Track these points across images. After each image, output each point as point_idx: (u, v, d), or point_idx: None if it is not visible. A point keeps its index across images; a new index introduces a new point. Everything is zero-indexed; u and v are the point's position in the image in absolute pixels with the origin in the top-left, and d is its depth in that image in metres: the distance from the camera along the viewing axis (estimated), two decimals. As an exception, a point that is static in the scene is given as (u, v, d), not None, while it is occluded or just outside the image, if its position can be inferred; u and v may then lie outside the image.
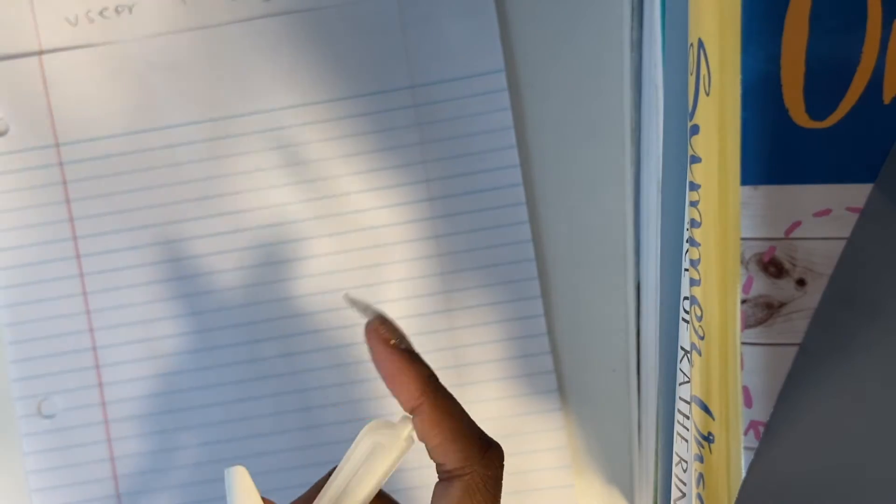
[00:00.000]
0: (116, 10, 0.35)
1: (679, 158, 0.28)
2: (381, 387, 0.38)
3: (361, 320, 0.37)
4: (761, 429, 0.23)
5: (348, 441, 0.26)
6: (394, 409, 0.38)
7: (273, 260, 0.37)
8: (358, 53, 0.36)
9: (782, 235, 0.23)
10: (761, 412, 0.23)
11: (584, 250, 0.38)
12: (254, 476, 0.37)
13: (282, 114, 0.36)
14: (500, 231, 0.37)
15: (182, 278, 0.37)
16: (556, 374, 0.38)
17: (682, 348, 0.29)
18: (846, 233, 0.22)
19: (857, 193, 0.22)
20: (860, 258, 0.22)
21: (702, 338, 0.25)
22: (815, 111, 0.22)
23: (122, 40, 0.36)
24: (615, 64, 0.36)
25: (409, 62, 0.37)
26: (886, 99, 0.22)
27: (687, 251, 0.27)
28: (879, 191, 0.22)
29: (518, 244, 0.38)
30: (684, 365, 0.29)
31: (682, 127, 0.27)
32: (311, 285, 0.37)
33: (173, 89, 0.36)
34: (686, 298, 0.28)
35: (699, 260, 0.25)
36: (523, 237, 0.37)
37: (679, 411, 0.30)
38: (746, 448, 0.24)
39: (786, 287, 0.23)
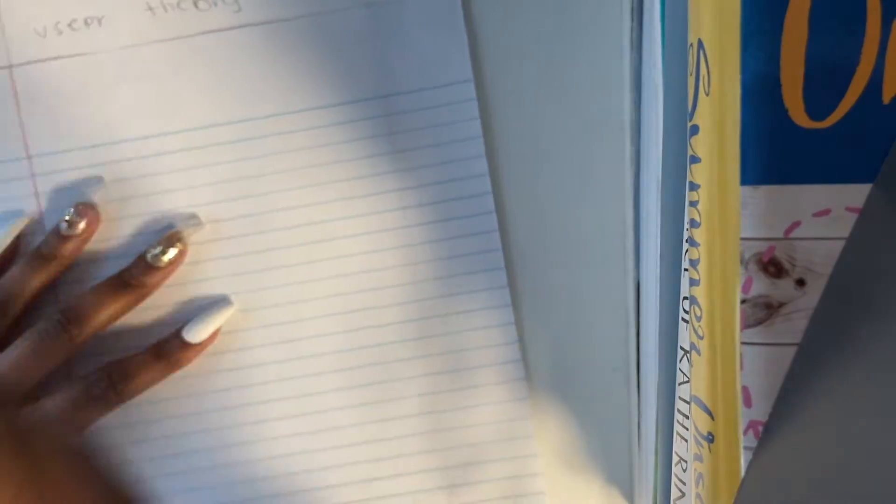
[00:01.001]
0: (86, 23, 0.35)
1: (679, 158, 0.28)
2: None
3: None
4: (760, 428, 0.23)
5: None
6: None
7: (250, 270, 0.37)
8: (329, 63, 0.36)
9: (782, 235, 0.23)
10: (761, 412, 0.23)
11: (584, 250, 0.38)
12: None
13: (255, 124, 0.36)
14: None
15: (161, 288, 0.37)
16: (527, 382, 0.38)
17: (682, 348, 0.29)
18: (846, 233, 0.22)
19: (857, 193, 0.22)
20: (859, 258, 0.22)
21: (701, 338, 0.25)
22: (814, 111, 0.22)
23: (93, 52, 0.36)
24: (615, 64, 0.36)
25: (380, 71, 0.36)
26: (886, 99, 0.22)
27: (687, 251, 0.27)
28: (879, 191, 0.22)
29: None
30: (684, 365, 0.29)
31: (682, 127, 0.27)
32: (286, 295, 0.37)
33: (145, 101, 0.36)
34: (686, 298, 0.28)
35: (699, 260, 0.25)
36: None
37: (679, 411, 0.30)
38: (746, 448, 0.24)
39: (785, 287, 0.23)
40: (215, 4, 0.35)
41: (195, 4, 0.35)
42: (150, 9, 0.35)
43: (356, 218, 0.37)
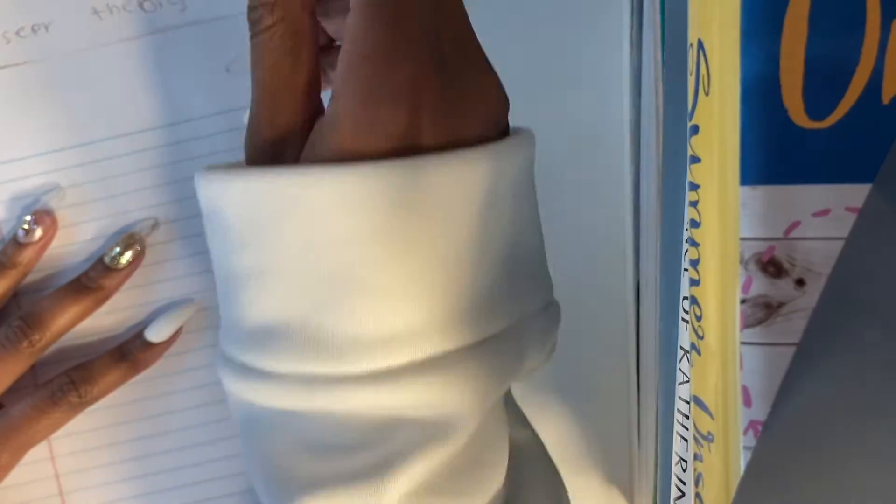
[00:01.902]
0: (33, 30, 0.35)
1: (679, 158, 0.28)
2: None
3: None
4: (760, 428, 0.23)
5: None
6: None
7: (210, 268, 0.37)
8: None
9: (781, 235, 0.23)
10: (760, 412, 0.23)
11: (584, 250, 0.38)
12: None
13: (206, 122, 0.36)
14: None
15: (122, 291, 0.37)
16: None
17: (682, 348, 0.29)
18: (845, 233, 0.22)
19: (856, 193, 0.22)
20: (858, 258, 0.22)
21: (701, 338, 0.25)
22: (814, 111, 0.22)
23: (41, 59, 0.35)
24: (615, 64, 0.36)
25: None
26: (885, 99, 0.22)
27: (686, 251, 0.27)
28: (878, 191, 0.22)
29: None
30: (684, 365, 0.29)
31: (682, 127, 0.27)
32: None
33: (96, 104, 0.36)
34: (686, 298, 0.28)
35: (699, 260, 0.25)
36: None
37: (679, 411, 0.30)
38: (745, 447, 0.24)
39: (785, 287, 0.23)
40: (161, 5, 0.35)
41: (141, 6, 0.35)
42: (97, 12, 0.35)
43: None
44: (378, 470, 0.24)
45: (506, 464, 0.27)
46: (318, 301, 0.24)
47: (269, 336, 0.25)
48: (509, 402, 0.30)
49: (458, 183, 0.24)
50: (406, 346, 0.24)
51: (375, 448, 0.25)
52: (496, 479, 0.27)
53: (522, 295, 0.27)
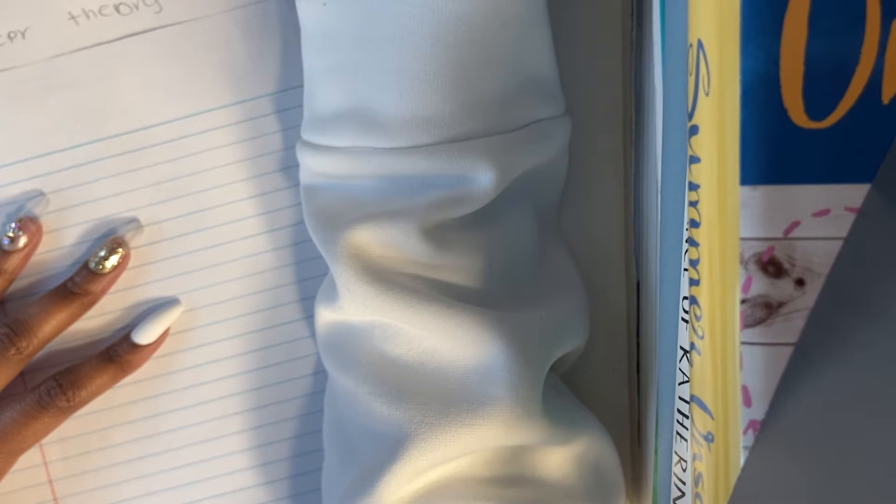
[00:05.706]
0: (9, 37, 0.35)
1: (679, 158, 0.28)
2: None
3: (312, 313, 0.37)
4: (759, 428, 0.23)
5: None
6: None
7: (194, 268, 0.37)
8: (256, 55, 0.35)
9: (781, 235, 0.23)
10: (760, 412, 0.23)
11: (584, 250, 0.38)
12: None
13: (185, 123, 0.36)
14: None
15: (108, 294, 0.37)
16: None
17: (682, 348, 0.29)
18: (845, 233, 0.22)
19: (856, 193, 0.22)
20: (857, 258, 0.22)
21: (701, 338, 0.25)
22: (814, 111, 0.22)
23: (19, 65, 0.35)
24: (615, 64, 0.36)
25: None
26: (885, 99, 0.22)
27: (686, 251, 0.27)
28: (877, 191, 0.22)
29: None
30: (684, 365, 0.29)
31: (681, 127, 0.27)
32: (233, 290, 0.37)
33: (75, 109, 0.36)
34: (686, 298, 0.28)
35: (699, 260, 0.25)
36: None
37: (679, 411, 0.30)
38: (745, 447, 0.24)
39: (785, 287, 0.23)
40: (136, 7, 0.35)
41: (117, 9, 0.35)
42: (73, 17, 0.35)
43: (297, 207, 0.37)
44: (405, 213, 0.31)
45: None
46: (372, 90, 0.30)
47: (335, 120, 0.31)
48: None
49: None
50: (439, 127, 0.30)
51: (404, 202, 0.31)
52: None
53: (536, 101, 0.32)
